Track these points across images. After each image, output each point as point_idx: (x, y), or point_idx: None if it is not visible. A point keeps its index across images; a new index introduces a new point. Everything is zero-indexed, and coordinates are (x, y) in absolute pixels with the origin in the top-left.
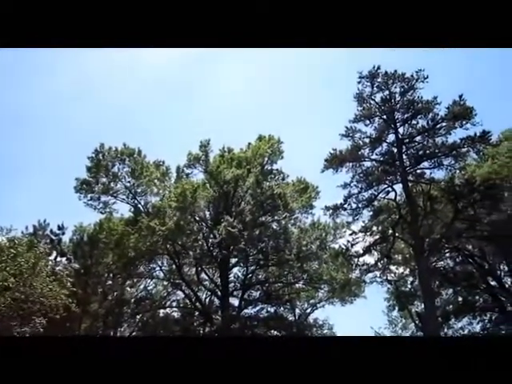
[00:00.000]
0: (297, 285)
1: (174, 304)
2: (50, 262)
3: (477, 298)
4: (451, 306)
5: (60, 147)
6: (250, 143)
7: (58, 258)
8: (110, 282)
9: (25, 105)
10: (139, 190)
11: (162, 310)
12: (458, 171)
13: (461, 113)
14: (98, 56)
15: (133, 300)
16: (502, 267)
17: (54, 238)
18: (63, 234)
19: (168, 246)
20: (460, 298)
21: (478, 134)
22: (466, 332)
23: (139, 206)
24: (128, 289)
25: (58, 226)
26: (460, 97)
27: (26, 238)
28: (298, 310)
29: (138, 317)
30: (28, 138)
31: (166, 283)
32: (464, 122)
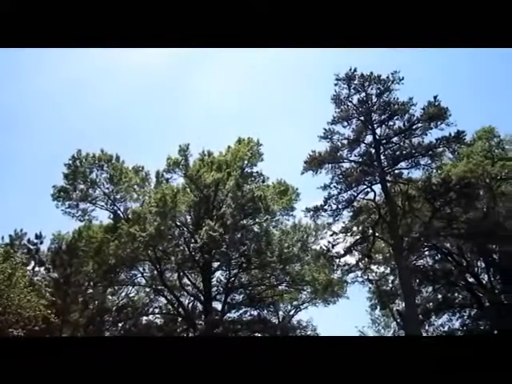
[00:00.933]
0: (279, 287)
1: (157, 310)
2: (28, 273)
3: (456, 294)
4: (431, 304)
5: (35, 154)
6: (229, 146)
7: (36, 268)
8: (90, 291)
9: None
10: (118, 196)
11: (144, 317)
12: (434, 171)
13: (436, 113)
14: (75, 59)
15: (114, 308)
16: (479, 264)
17: (31, 247)
18: (41, 243)
19: (149, 251)
20: (439, 296)
21: (452, 134)
22: (446, 329)
23: (119, 212)
24: (109, 297)
25: (36, 235)
26: (435, 98)
27: (1, 248)
28: (281, 313)
29: (121, 325)
30: (2, 146)
31: (147, 290)
32: (439, 123)
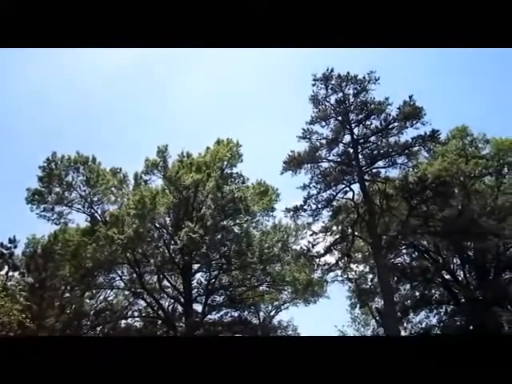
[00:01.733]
0: (260, 288)
1: (136, 313)
2: (1, 277)
3: (433, 291)
4: (409, 301)
5: (7, 157)
6: (208, 147)
7: (10, 273)
8: (67, 295)
9: None
10: (95, 199)
11: (123, 321)
12: (411, 169)
13: (411, 113)
14: (50, 57)
15: (92, 312)
16: (454, 261)
17: (4, 251)
18: (15, 247)
19: (128, 254)
20: (417, 293)
21: (427, 133)
22: (423, 325)
23: (96, 215)
24: (87, 301)
25: (9, 239)
26: (410, 97)
27: None
28: (262, 313)
29: (99, 329)
30: None
31: (126, 293)
32: (414, 122)
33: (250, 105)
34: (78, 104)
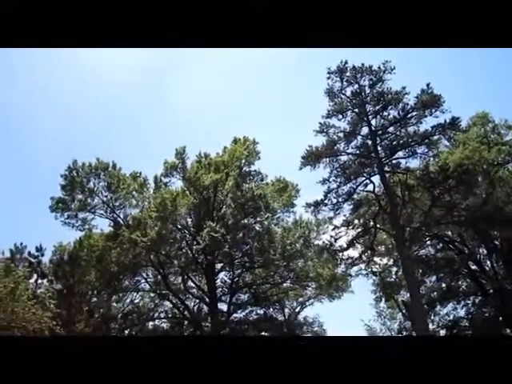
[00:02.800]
0: (284, 284)
1: (163, 315)
2: (31, 285)
3: (459, 283)
4: (435, 293)
5: (30, 167)
6: (225, 147)
7: (39, 281)
8: (95, 300)
9: None
10: (117, 204)
11: (150, 323)
12: (431, 159)
13: (429, 101)
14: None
15: (120, 315)
16: (481, 251)
17: (32, 260)
18: (42, 255)
19: (151, 256)
20: (443, 285)
21: (447, 121)
22: (451, 318)
23: (119, 219)
24: (114, 304)
25: (36, 248)
26: (427, 85)
27: (2, 262)
28: (287, 310)
29: (127, 331)
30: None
31: (152, 295)
32: (433, 110)
33: (264, 102)
34: (94, 111)
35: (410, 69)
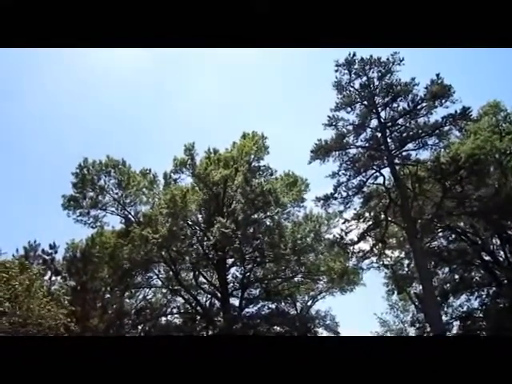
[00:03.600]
0: (295, 278)
1: (175, 311)
2: (45, 283)
3: (473, 274)
4: (448, 285)
5: (41, 166)
6: (234, 142)
7: (53, 278)
8: (108, 296)
9: (5, 123)
10: (128, 201)
11: (163, 318)
12: (442, 150)
13: (439, 91)
14: (72, 64)
15: (133, 311)
16: (494, 241)
17: (46, 257)
18: (55, 252)
19: (163, 253)
20: (456, 276)
21: (458, 112)
22: (465, 309)
23: (130, 216)
24: (127, 300)
25: (50, 245)
26: (437, 75)
27: (17, 260)
28: (298, 304)
29: (140, 327)
30: (9, 159)
31: (164, 291)
32: (443, 101)
33: (273, 96)
34: (106, 110)
35: (418, 59)
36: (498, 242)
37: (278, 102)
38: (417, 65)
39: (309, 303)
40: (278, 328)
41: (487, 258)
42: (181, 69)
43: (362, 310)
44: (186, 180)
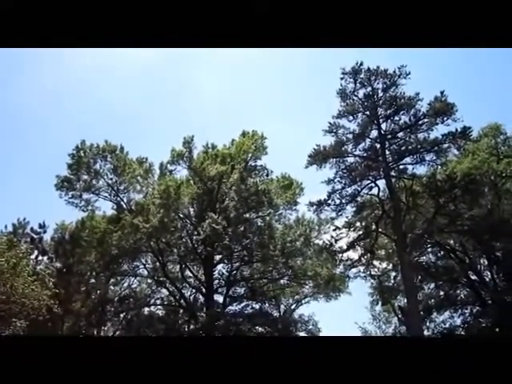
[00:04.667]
0: (281, 281)
1: (159, 302)
2: (31, 262)
3: (458, 292)
4: (433, 300)
5: (40, 144)
6: (233, 139)
7: (40, 257)
8: (92, 281)
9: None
10: (122, 187)
11: (146, 308)
12: (439, 167)
13: (442, 109)
14: (80, 54)
15: (116, 298)
16: (482, 261)
17: (34, 236)
18: (44, 232)
19: (152, 243)
20: (442, 293)
21: (458, 130)
22: (447, 325)
23: (122, 203)
24: (111, 287)
25: (39, 225)
26: (441, 93)
27: (5, 236)
28: (282, 306)
29: (122, 315)
30: (5, 136)
31: (150, 281)
32: (445, 118)
33: (277, 98)
34: (109, 97)
35: (425, 76)
36: (486, 263)
37: (280, 102)
38: (423, 80)
39: (293, 306)
40: (260, 328)
41: (474, 277)
42: (186, 65)
43: (344, 317)
44: (182, 172)
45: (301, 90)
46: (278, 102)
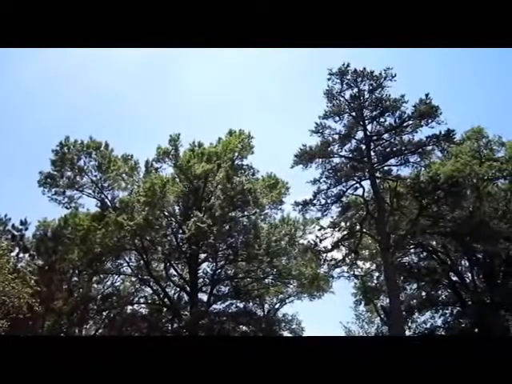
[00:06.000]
0: (266, 280)
1: (142, 300)
2: (12, 259)
3: (439, 292)
4: (415, 301)
5: (23, 140)
6: (220, 138)
7: (21, 255)
8: (75, 279)
9: None
10: (106, 185)
11: (129, 307)
12: (423, 169)
13: (427, 111)
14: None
15: (99, 296)
16: (463, 263)
17: (16, 233)
18: (26, 229)
19: (136, 241)
20: (423, 293)
21: (442, 133)
22: (428, 326)
23: (106, 200)
24: (94, 285)
25: (21, 221)
26: (426, 95)
27: None
28: (266, 306)
29: (105, 313)
30: None
31: (133, 279)
32: (430, 121)
33: (264, 97)
34: (95, 93)
35: (411, 78)
36: (467, 264)
37: (267, 101)
38: (409, 83)
39: (277, 306)
40: (244, 327)
41: (455, 278)
42: (173, 62)
43: (328, 317)
44: (168, 170)
45: (288, 90)
46: (266, 101)
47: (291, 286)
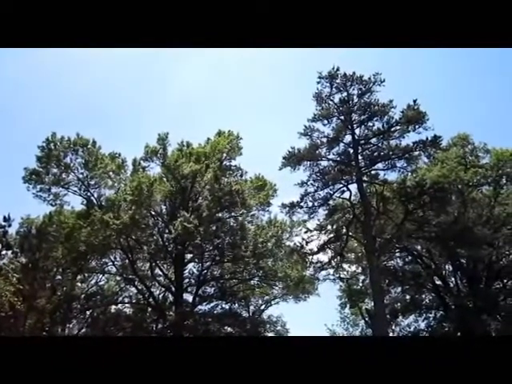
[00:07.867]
0: (252, 281)
1: (127, 300)
2: None
3: (423, 296)
4: (399, 304)
5: (7, 135)
6: (209, 138)
7: (4, 252)
8: (59, 277)
9: None
10: (92, 182)
11: (113, 306)
12: (409, 174)
13: (414, 117)
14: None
15: (83, 295)
16: (447, 267)
17: None
18: (9, 226)
19: (121, 240)
20: (408, 297)
21: (429, 139)
22: (411, 329)
23: (92, 198)
24: (78, 284)
25: (4, 218)
26: (414, 101)
27: None
28: (252, 307)
29: (88, 312)
30: None
31: (118, 278)
32: (417, 126)
33: (253, 99)
34: (83, 90)
35: (400, 83)
36: (451, 269)
37: (257, 103)
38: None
39: (262, 307)
40: (229, 328)
41: (438, 282)
42: (163, 61)
43: (313, 319)
44: (155, 169)
45: (278, 91)
46: (255, 103)
47: (277, 288)
